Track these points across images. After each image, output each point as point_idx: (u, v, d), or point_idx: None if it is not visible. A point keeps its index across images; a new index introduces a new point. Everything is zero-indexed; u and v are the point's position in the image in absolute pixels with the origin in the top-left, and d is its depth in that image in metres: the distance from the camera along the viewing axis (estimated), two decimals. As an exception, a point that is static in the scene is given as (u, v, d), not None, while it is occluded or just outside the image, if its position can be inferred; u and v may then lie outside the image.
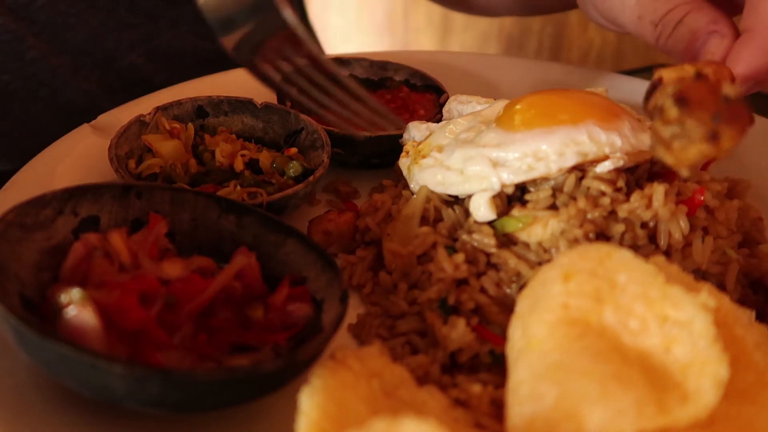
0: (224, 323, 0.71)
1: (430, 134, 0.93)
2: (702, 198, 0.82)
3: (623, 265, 0.60)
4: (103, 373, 0.60)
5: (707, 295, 0.59)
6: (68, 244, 0.72)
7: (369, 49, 1.81)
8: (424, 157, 0.88)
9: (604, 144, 0.79)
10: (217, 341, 0.69)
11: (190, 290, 0.71)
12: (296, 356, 0.66)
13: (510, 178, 0.80)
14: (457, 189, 0.83)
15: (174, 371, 0.63)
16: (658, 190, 0.79)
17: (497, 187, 0.80)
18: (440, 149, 0.88)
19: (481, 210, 0.81)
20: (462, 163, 0.83)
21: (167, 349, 0.66)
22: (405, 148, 0.94)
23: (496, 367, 0.75)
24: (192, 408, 0.67)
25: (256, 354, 0.70)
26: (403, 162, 0.92)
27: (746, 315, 0.66)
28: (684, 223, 0.79)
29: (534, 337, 0.59)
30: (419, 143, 0.92)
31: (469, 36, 2.73)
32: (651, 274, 0.59)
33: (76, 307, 0.65)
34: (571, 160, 0.79)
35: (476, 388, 0.68)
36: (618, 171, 0.80)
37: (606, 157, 0.79)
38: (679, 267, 0.79)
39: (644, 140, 0.81)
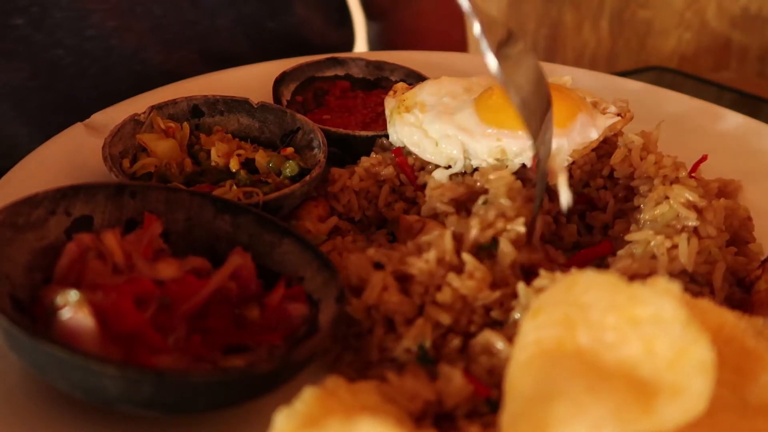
0: (219, 324, 0.70)
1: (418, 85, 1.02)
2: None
3: (589, 284, 0.59)
4: (96, 375, 0.59)
5: (665, 280, 0.58)
6: (61, 245, 0.72)
7: (365, 49, 1.80)
8: (407, 109, 0.96)
9: (554, 149, 0.89)
10: (211, 342, 0.69)
11: (185, 291, 0.70)
12: (292, 357, 0.65)
13: (474, 164, 0.92)
14: (430, 157, 0.94)
15: (167, 373, 0.62)
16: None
17: (460, 169, 0.92)
18: (423, 108, 0.96)
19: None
20: (439, 137, 0.93)
21: (161, 351, 0.65)
22: (394, 87, 1.03)
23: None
24: (186, 410, 0.66)
25: (252, 354, 0.69)
26: (389, 101, 1.00)
27: (756, 324, 0.65)
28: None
29: (510, 381, 0.58)
30: (407, 89, 1.01)
31: (464, 37, 2.72)
32: (613, 281, 0.58)
33: (72, 309, 0.64)
34: (525, 162, 0.90)
35: (474, 430, 0.65)
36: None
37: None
38: (666, 270, 0.79)
39: (590, 134, 0.93)
